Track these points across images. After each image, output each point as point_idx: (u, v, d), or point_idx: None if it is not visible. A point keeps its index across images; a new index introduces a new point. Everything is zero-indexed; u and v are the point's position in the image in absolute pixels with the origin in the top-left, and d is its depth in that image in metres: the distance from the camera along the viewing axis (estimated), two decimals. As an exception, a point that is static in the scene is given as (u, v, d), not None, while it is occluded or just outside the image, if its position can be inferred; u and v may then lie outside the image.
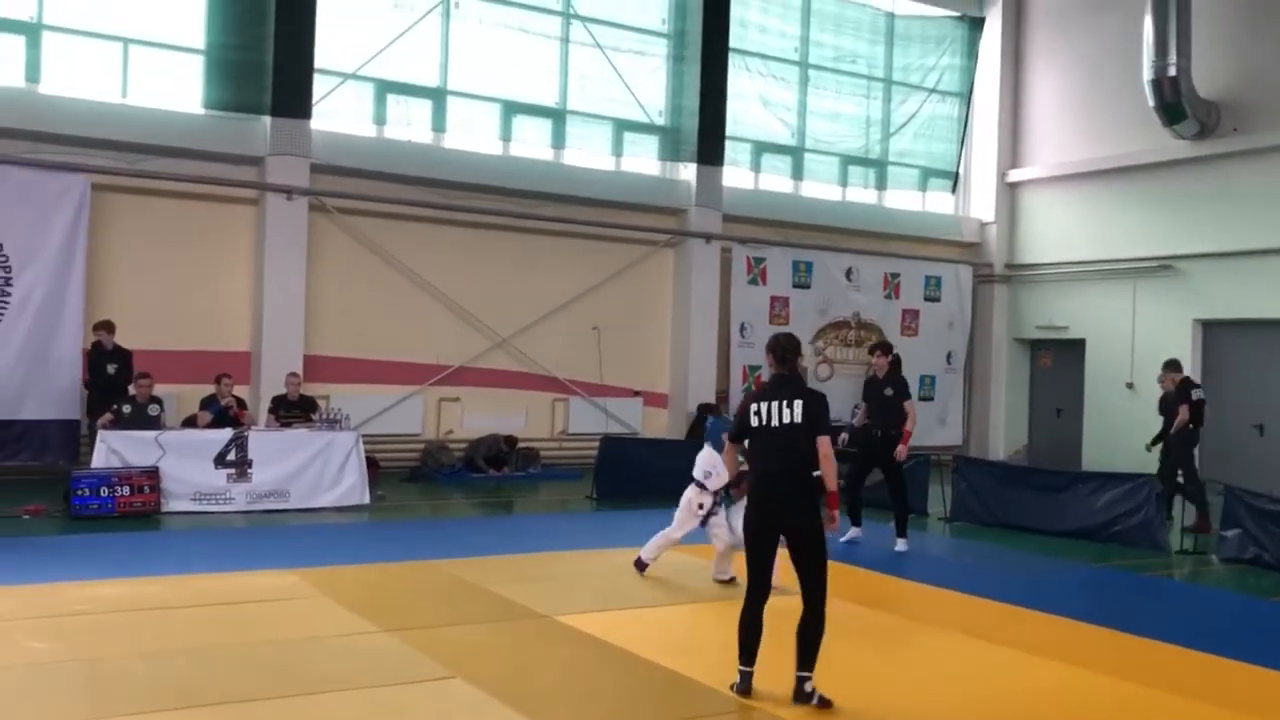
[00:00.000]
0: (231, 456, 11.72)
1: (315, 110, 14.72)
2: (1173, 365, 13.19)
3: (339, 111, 15.17)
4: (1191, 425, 12.63)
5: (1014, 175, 20.33)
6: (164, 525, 10.87)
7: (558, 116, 16.92)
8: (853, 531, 10.78)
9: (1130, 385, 17.29)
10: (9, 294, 12.95)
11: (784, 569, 6.08)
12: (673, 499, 9.02)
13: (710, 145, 17.47)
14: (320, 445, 12.22)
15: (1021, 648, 7.19)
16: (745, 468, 6.86)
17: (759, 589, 5.99)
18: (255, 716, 5.42)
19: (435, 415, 15.81)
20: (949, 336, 20.23)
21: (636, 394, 17.33)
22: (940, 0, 20.32)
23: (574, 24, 16.93)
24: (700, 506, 8.74)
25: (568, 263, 16.66)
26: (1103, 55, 18.70)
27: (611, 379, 17.07)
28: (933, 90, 20.52)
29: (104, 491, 10.94)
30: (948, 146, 20.87)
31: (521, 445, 15.69)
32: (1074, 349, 19.24)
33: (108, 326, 12.63)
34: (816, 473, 5.94)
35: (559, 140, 16.91)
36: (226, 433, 11.87)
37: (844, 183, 19.84)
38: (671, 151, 17.67)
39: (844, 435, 10.96)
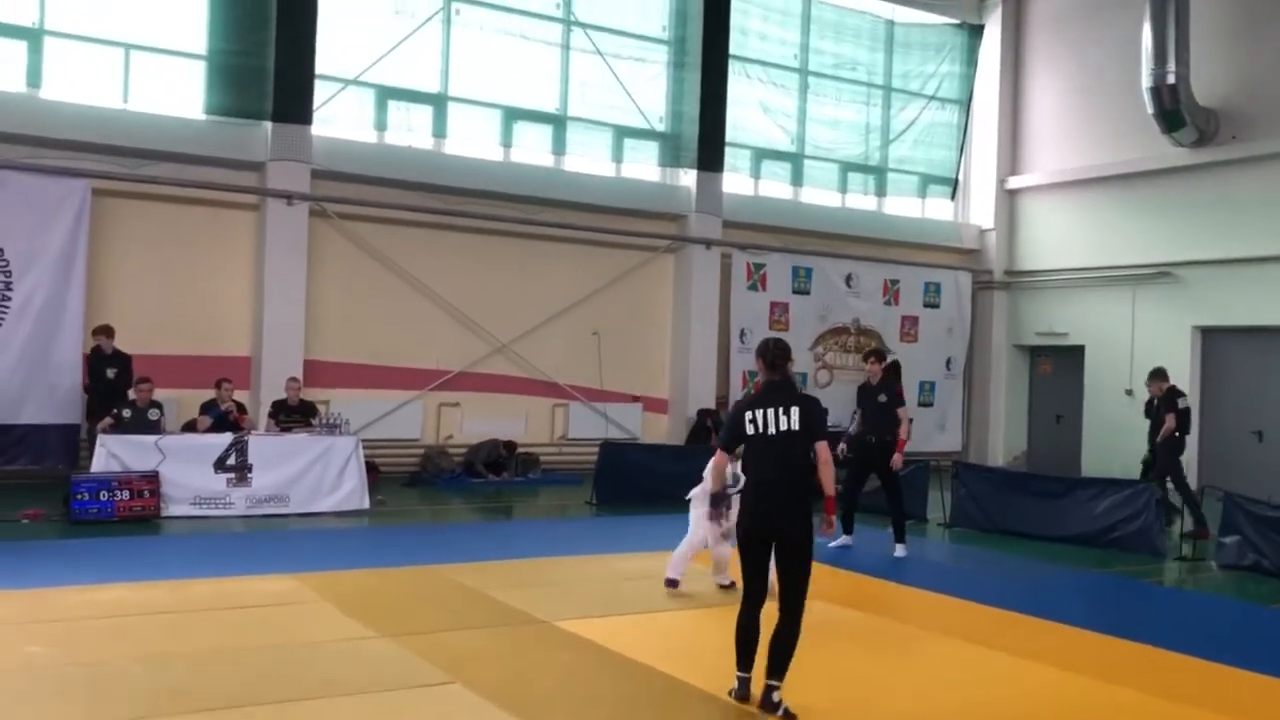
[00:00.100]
0: (231, 461, 11.72)
1: (316, 116, 14.74)
2: (1159, 374, 13.24)
3: (340, 117, 15.21)
4: (1178, 434, 12.69)
5: (1013, 182, 20.37)
6: (164, 530, 10.87)
7: (558, 122, 16.95)
8: (843, 539, 10.74)
9: (1129, 392, 17.29)
10: (9, 298, 12.95)
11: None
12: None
13: (710, 151, 17.50)
14: (320, 450, 12.21)
15: (1020, 653, 7.19)
16: (732, 487, 6.80)
17: (755, 594, 5.99)
18: (254, 721, 5.42)
19: (435, 420, 15.82)
20: (948, 342, 20.25)
21: (636, 399, 17.34)
22: (940, 8, 20.36)
23: (574, 30, 16.96)
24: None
25: (568, 268, 16.68)
26: (1102, 62, 18.74)
27: (611, 384, 17.08)
28: (932, 97, 20.56)
29: (103, 496, 10.93)
30: (947, 153, 20.90)
31: (521, 450, 15.69)
32: (1073, 355, 19.26)
33: (108, 331, 12.65)
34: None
35: (559, 146, 16.94)
36: (226, 437, 11.87)
37: (844, 189, 19.86)
38: (672, 158, 17.70)
39: (842, 445, 10.89)
